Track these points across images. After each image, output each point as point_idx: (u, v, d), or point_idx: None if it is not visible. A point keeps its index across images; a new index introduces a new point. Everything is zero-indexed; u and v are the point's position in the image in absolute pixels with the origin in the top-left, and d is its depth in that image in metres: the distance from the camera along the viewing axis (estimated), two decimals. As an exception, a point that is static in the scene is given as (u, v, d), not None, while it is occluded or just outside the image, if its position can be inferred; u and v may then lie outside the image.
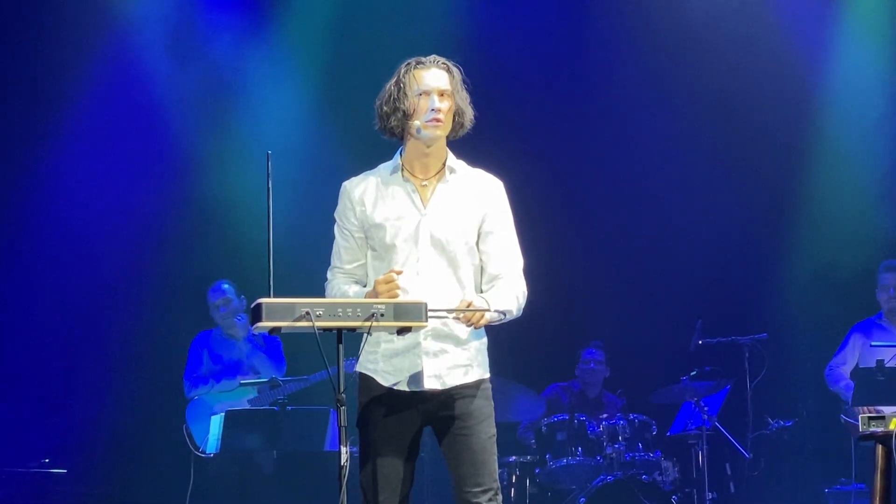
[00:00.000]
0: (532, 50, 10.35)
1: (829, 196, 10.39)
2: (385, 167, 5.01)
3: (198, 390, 9.05)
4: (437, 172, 4.96)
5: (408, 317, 4.56)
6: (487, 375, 4.97)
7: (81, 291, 9.78)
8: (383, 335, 4.82)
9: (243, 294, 9.11)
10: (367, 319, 4.51)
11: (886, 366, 8.50)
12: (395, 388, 4.85)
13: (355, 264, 4.99)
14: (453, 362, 4.86)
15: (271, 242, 4.73)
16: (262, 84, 10.14)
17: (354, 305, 4.53)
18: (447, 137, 4.96)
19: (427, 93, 4.85)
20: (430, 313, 4.61)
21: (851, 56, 10.32)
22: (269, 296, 4.58)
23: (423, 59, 4.93)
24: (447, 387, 4.85)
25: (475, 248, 4.94)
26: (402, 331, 4.68)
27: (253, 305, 4.56)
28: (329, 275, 5.04)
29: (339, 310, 4.51)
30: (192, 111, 10.02)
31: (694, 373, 9.19)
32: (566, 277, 10.43)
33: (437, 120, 4.85)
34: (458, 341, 4.87)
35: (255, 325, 4.54)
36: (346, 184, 5.02)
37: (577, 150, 10.47)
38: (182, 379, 9.13)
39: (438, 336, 4.84)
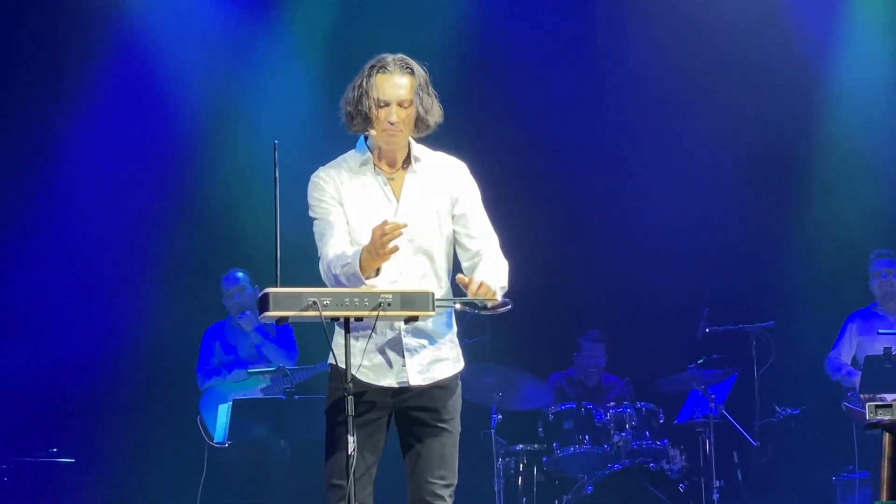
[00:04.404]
0: (541, 29, 10.33)
1: (836, 184, 10.39)
2: (352, 158, 4.98)
3: (210, 382, 9.07)
4: (404, 163, 4.95)
5: (415, 306, 4.57)
6: (461, 367, 4.97)
7: (92, 282, 9.79)
8: (359, 331, 4.76)
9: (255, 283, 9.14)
10: (373, 309, 4.52)
11: (894, 353, 8.51)
12: (374, 384, 4.82)
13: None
14: (433, 357, 4.88)
15: (278, 232, 4.73)
16: (269, 73, 10.13)
17: (361, 295, 4.53)
18: (412, 137, 4.93)
19: (386, 103, 4.82)
20: (437, 303, 4.62)
21: (858, 49, 10.32)
22: (276, 285, 4.59)
23: (386, 60, 4.85)
24: (429, 382, 4.85)
25: (450, 238, 4.95)
26: (409, 320, 4.69)
27: (260, 295, 4.56)
28: (323, 253, 4.87)
29: (346, 299, 4.51)
30: (200, 102, 10.00)
31: (701, 361, 9.19)
32: (573, 264, 10.44)
33: (393, 133, 4.84)
34: (435, 336, 4.88)
35: (262, 315, 4.54)
36: (318, 174, 4.96)
37: (582, 137, 10.46)
38: (195, 370, 9.15)
39: (416, 332, 4.83)
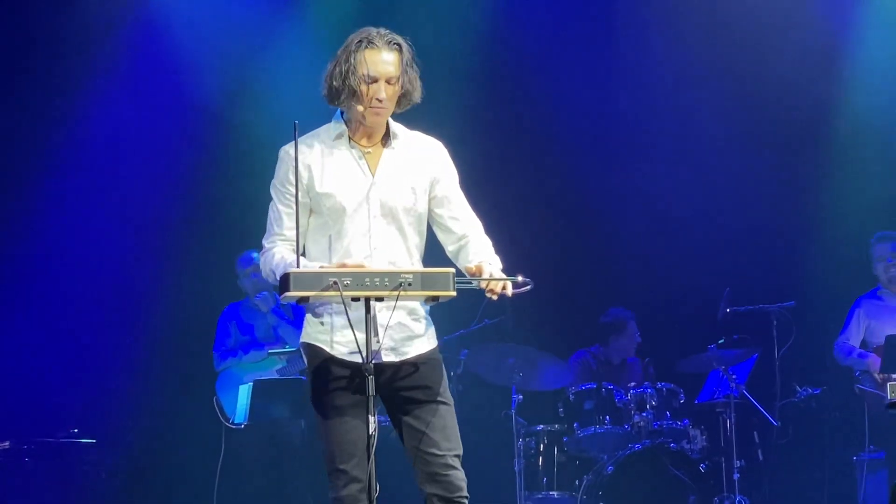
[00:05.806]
0: (565, 16, 10.32)
1: (858, 164, 10.36)
2: (326, 132, 4.93)
3: (226, 363, 9.06)
4: (381, 139, 4.92)
5: (435, 286, 4.54)
6: (435, 345, 4.94)
7: (110, 264, 9.80)
8: (333, 307, 4.75)
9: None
10: (394, 289, 4.50)
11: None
12: (348, 359, 4.76)
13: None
14: (408, 333, 4.84)
15: (298, 213, 4.73)
16: (287, 56, 10.11)
17: (382, 275, 4.51)
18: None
19: (374, 79, 4.78)
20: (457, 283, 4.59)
21: (879, 30, 10.27)
22: (295, 266, 4.58)
23: (372, 35, 4.80)
24: (403, 358, 4.82)
25: (423, 216, 4.92)
26: (429, 300, 4.67)
27: (281, 275, 4.55)
28: (267, 243, 4.93)
29: (367, 279, 4.49)
30: (218, 84, 10.00)
31: (721, 341, 9.18)
32: (594, 245, 10.43)
33: (378, 111, 4.81)
34: (410, 311, 4.84)
35: (283, 295, 4.53)
36: (287, 149, 4.90)
37: (603, 117, 10.45)
38: (211, 351, 9.16)
39: (389, 308, 4.68)
